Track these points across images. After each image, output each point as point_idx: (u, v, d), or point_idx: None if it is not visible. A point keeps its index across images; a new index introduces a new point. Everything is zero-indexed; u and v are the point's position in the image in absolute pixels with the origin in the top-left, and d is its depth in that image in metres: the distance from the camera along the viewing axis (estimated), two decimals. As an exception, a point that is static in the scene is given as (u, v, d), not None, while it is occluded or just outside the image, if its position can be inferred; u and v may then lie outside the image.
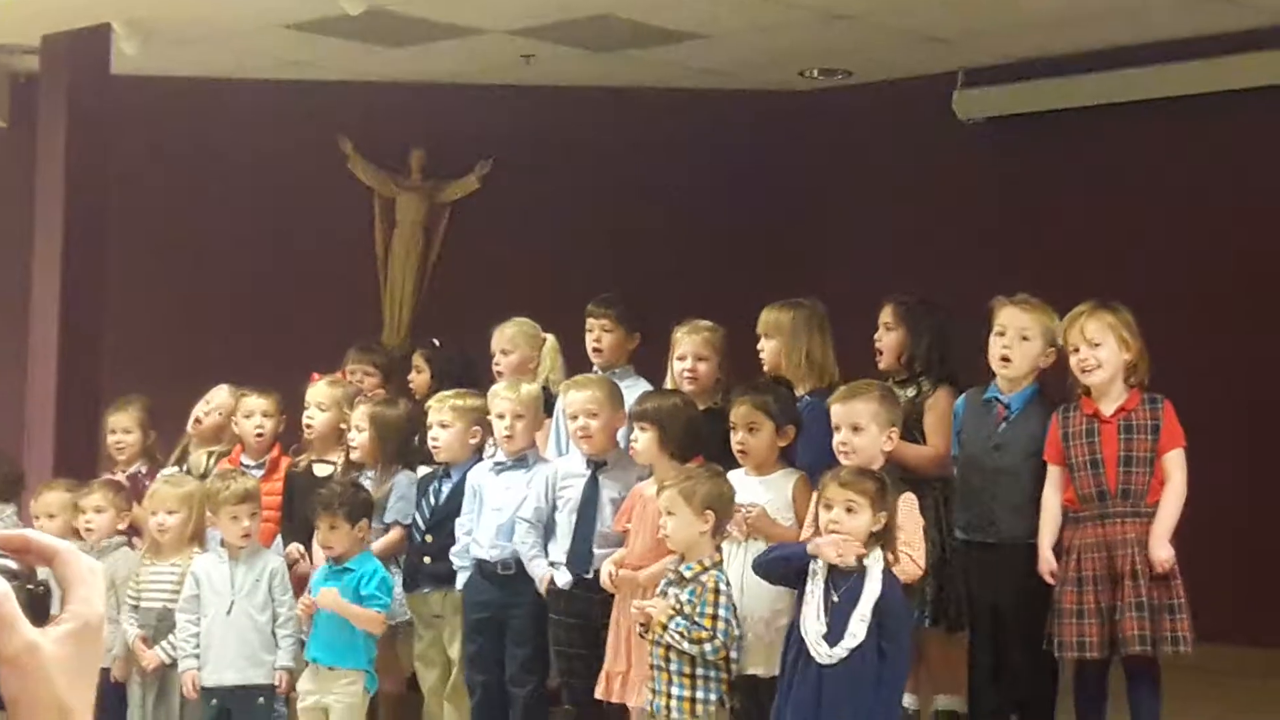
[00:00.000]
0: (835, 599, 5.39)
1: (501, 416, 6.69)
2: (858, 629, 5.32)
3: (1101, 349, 5.77)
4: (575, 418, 6.40)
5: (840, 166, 10.33)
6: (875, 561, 5.37)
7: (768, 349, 6.47)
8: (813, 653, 5.37)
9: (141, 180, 9.79)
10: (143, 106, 9.64)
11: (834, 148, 10.35)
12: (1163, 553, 5.64)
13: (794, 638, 5.47)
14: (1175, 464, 5.76)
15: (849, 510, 5.38)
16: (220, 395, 7.79)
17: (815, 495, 5.54)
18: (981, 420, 6.12)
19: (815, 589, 5.42)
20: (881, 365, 6.57)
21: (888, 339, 6.56)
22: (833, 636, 5.35)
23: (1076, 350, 5.80)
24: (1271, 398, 8.74)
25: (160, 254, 10.04)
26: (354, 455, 7.15)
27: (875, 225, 10.11)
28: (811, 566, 5.47)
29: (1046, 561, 5.79)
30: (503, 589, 6.63)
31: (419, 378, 7.77)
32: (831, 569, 5.39)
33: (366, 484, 7.03)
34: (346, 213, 10.28)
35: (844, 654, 5.33)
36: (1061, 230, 9.44)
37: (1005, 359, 6.05)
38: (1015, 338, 6.04)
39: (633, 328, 7.01)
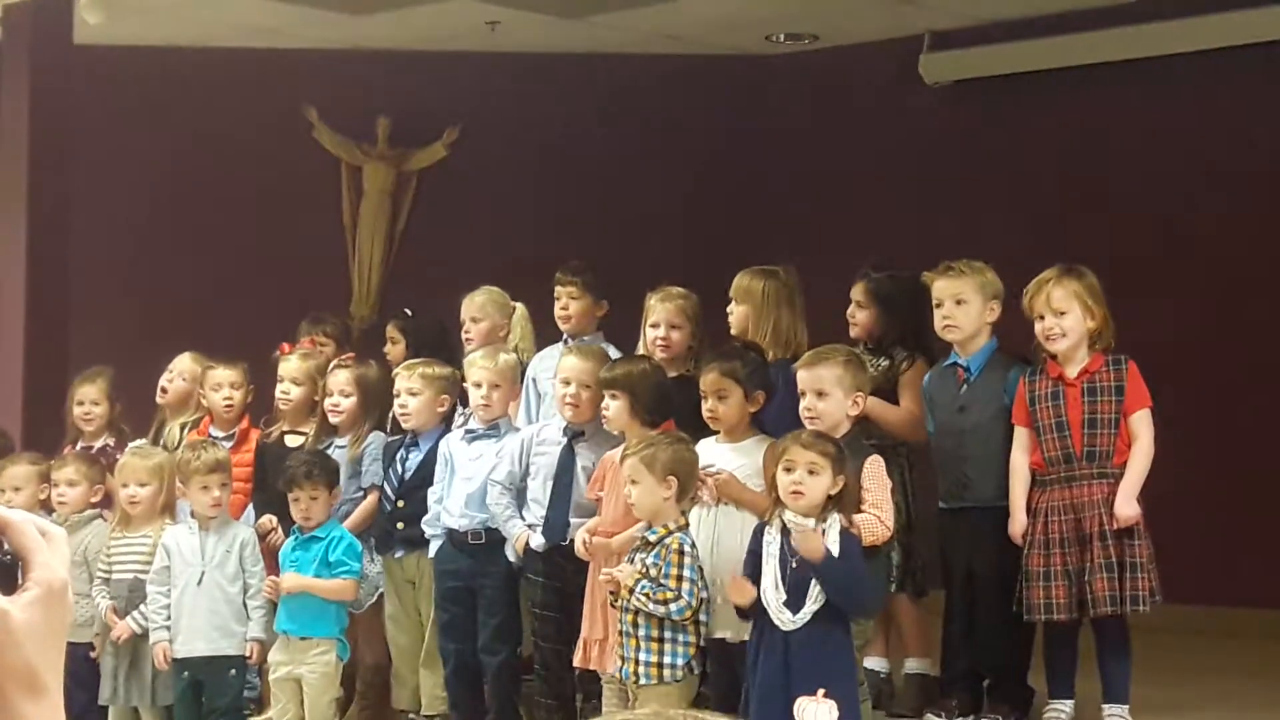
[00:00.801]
0: (794, 565, 5.42)
1: (479, 385, 6.69)
2: (819, 595, 5.35)
3: (1066, 317, 5.80)
4: (568, 383, 6.39)
5: (807, 130, 10.32)
6: (832, 525, 5.40)
7: (737, 314, 6.47)
8: (775, 621, 5.40)
9: (106, 151, 9.74)
10: (106, 77, 9.58)
11: (800, 112, 10.34)
12: (1128, 510, 5.68)
13: (759, 609, 5.50)
14: (1142, 424, 5.78)
15: (811, 472, 5.41)
16: (183, 362, 7.77)
17: (775, 457, 5.54)
18: (945, 387, 6.16)
19: (771, 559, 5.46)
20: (852, 335, 6.56)
21: (860, 316, 6.56)
22: (794, 603, 5.39)
23: (1042, 318, 5.82)
24: (1239, 359, 8.77)
25: (125, 225, 9.99)
26: (335, 421, 7.13)
27: (842, 189, 10.10)
28: (765, 538, 5.49)
29: (1019, 523, 5.81)
30: (474, 558, 6.65)
31: (395, 349, 7.75)
32: (786, 537, 5.42)
33: (340, 450, 7.04)
34: (313, 182, 10.24)
35: (807, 618, 5.37)
36: (1028, 193, 9.45)
37: (948, 327, 6.10)
38: (951, 305, 6.08)
39: (600, 295, 7.01)
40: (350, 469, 7.04)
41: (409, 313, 7.93)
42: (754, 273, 6.50)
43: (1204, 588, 7.95)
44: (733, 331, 6.45)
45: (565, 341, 6.97)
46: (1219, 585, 8.32)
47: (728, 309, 6.50)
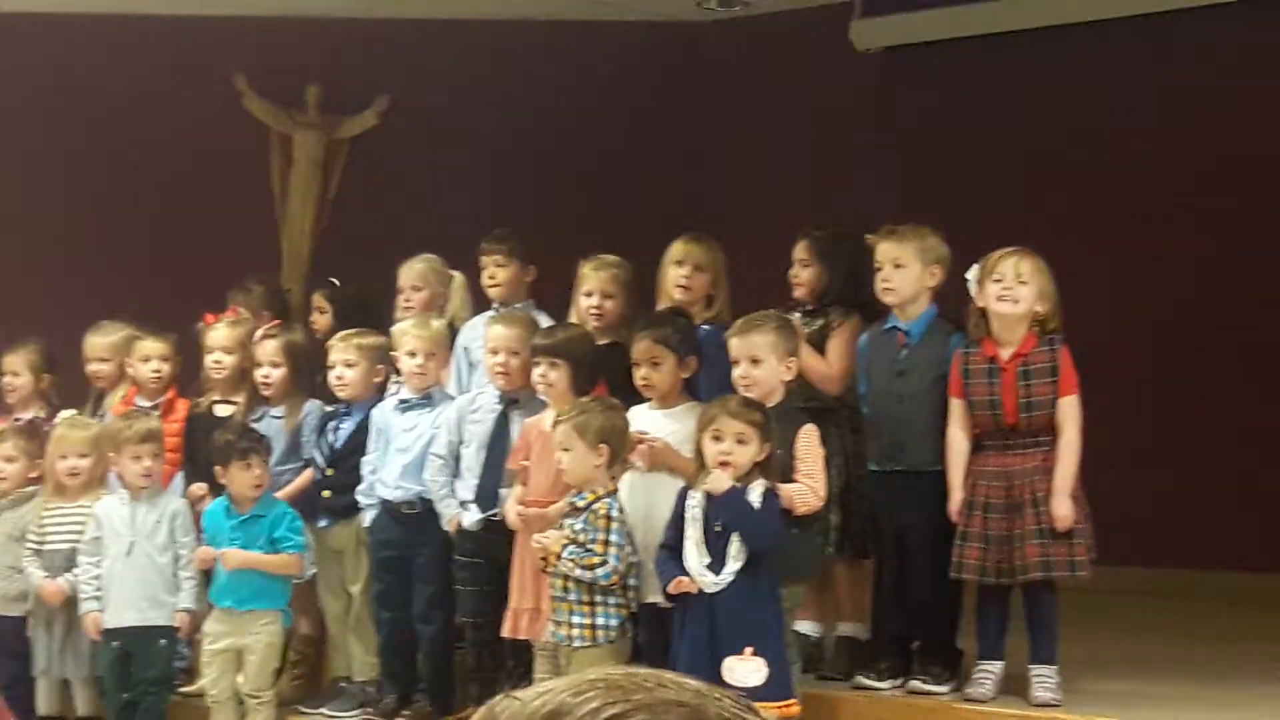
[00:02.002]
0: (716, 528, 5.47)
1: (413, 354, 6.67)
2: (739, 553, 5.42)
3: (1027, 287, 5.78)
4: (495, 352, 6.38)
5: (738, 97, 10.33)
6: (755, 489, 5.45)
7: (698, 282, 6.42)
8: (699, 583, 5.45)
9: (30, 120, 9.64)
10: (32, 45, 9.48)
11: (731, 79, 10.34)
12: (1062, 509, 5.68)
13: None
14: (1069, 415, 5.78)
15: (740, 441, 5.45)
16: (95, 349, 7.63)
17: (703, 424, 5.57)
18: (884, 350, 6.14)
19: (694, 524, 5.50)
20: (796, 295, 6.52)
21: (804, 275, 6.49)
22: (716, 565, 5.45)
23: (1000, 280, 5.80)
24: (1178, 323, 8.83)
25: (52, 195, 9.89)
26: (266, 392, 7.08)
27: (773, 156, 10.11)
28: (688, 503, 5.53)
29: (958, 500, 5.82)
30: (409, 529, 6.65)
31: (322, 319, 7.70)
32: (709, 500, 5.47)
33: (275, 420, 7.01)
34: (242, 150, 10.16)
35: (730, 578, 5.42)
36: (959, 160, 9.47)
37: (886, 290, 6.10)
38: (890, 268, 6.07)
39: (527, 261, 6.99)
40: (289, 439, 7.02)
41: (335, 282, 7.89)
42: (706, 240, 6.49)
43: (1136, 549, 8.04)
44: (688, 299, 6.41)
45: (495, 310, 6.96)
46: (1150, 547, 8.41)
47: (684, 276, 6.43)
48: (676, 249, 6.47)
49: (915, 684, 5.99)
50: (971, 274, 5.94)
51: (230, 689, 6.66)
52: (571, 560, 5.68)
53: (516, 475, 6.25)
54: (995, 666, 5.92)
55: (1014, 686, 5.90)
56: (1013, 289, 5.80)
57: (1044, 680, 5.82)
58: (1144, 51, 8.96)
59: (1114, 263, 8.86)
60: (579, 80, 10.17)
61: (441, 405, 6.70)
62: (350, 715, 6.86)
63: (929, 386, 6.02)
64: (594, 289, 6.54)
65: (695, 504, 5.53)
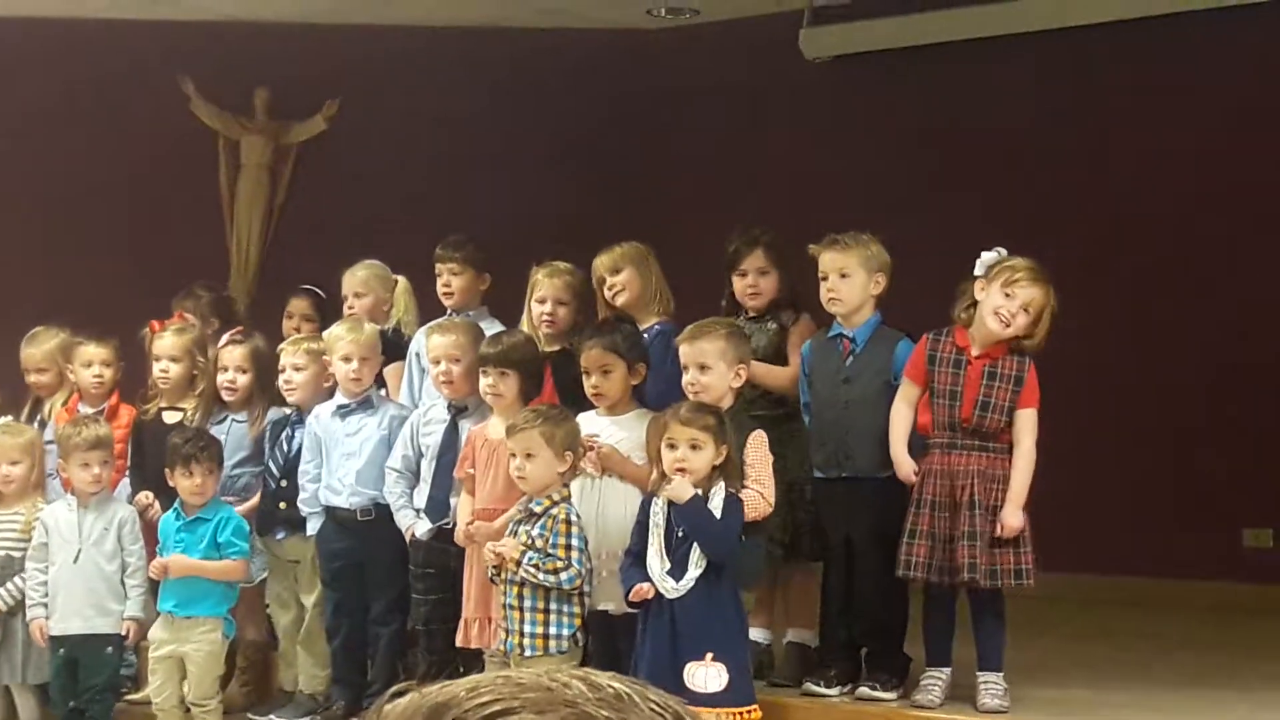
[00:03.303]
0: (678, 534, 5.48)
1: (348, 359, 6.66)
2: (700, 560, 5.45)
3: (1025, 318, 5.77)
4: (437, 362, 6.38)
5: (687, 105, 10.34)
6: (716, 493, 5.47)
7: (626, 285, 6.40)
8: (660, 589, 5.46)
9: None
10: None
11: (680, 87, 10.35)
12: (1015, 521, 5.70)
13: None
14: (1026, 427, 5.78)
15: (694, 447, 5.46)
16: (30, 358, 7.58)
17: (657, 432, 5.58)
18: (829, 357, 6.15)
19: (657, 529, 5.52)
20: (753, 305, 6.45)
21: (764, 283, 6.44)
22: (677, 571, 5.46)
23: (1009, 296, 5.77)
24: (1120, 331, 8.88)
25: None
26: (229, 398, 7.05)
27: (721, 164, 10.13)
28: (652, 509, 5.54)
29: (905, 463, 5.84)
30: (363, 536, 6.61)
31: (309, 327, 7.64)
32: (671, 505, 5.48)
33: (238, 425, 6.99)
34: (189, 155, 10.10)
35: (690, 584, 5.44)
36: (907, 170, 9.51)
37: (832, 300, 6.10)
38: (836, 278, 6.08)
39: (481, 268, 6.99)
40: (251, 446, 7.00)
41: (320, 292, 7.78)
42: (617, 248, 6.49)
43: (1084, 556, 8.09)
44: (627, 302, 6.41)
45: (451, 316, 6.94)
46: (1098, 554, 8.47)
47: (613, 284, 6.44)
48: (595, 268, 6.51)
49: (864, 691, 6.01)
50: (989, 258, 5.87)
51: (176, 696, 6.62)
52: (533, 566, 5.67)
53: (463, 484, 6.24)
54: (943, 673, 5.95)
55: (961, 693, 5.93)
56: (1014, 315, 5.79)
57: (991, 687, 5.85)
58: (1094, 58, 9.02)
59: (1055, 272, 8.89)
60: (529, 87, 10.16)
61: (384, 408, 6.69)
62: (299, 723, 6.84)
63: (875, 393, 6.04)
64: (547, 295, 6.54)
65: (658, 510, 5.54)
